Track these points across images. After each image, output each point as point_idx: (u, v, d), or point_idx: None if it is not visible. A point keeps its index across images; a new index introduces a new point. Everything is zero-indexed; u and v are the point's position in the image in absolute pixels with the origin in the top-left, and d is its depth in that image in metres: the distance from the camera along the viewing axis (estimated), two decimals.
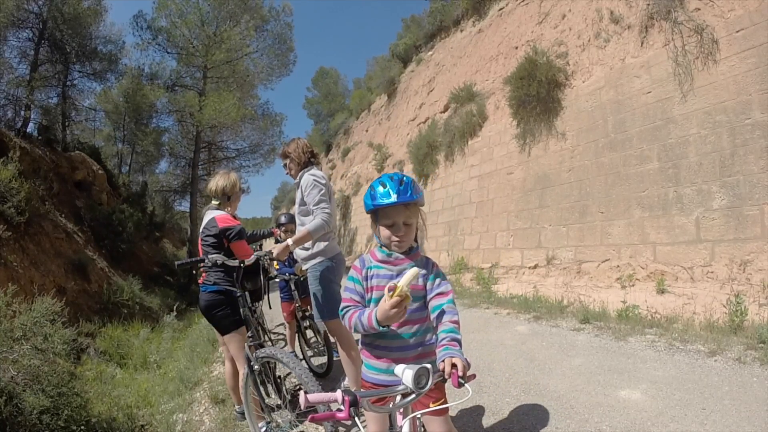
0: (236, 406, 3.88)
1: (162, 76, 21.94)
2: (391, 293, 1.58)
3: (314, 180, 3.44)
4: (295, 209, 3.71)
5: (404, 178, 1.80)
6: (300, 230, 3.41)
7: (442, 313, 1.77)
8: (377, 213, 1.87)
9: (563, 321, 5.80)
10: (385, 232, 1.85)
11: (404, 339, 1.85)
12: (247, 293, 3.43)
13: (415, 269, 1.62)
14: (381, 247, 1.93)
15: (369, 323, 1.69)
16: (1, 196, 8.65)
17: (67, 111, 18.09)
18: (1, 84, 15.04)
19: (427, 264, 1.92)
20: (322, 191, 3.41)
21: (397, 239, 1.83)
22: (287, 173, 3.83)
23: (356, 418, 1.28)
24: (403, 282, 1.56)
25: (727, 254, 5.36)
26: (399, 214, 1.82)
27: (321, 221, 3.31)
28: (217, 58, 20.21)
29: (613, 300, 6.14)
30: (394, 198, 1.75)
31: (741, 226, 5.28)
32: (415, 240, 1.94)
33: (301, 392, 1.31)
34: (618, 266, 6.65)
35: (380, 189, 1.79)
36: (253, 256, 3.35)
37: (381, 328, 1.67)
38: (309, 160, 3.70)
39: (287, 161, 3.75)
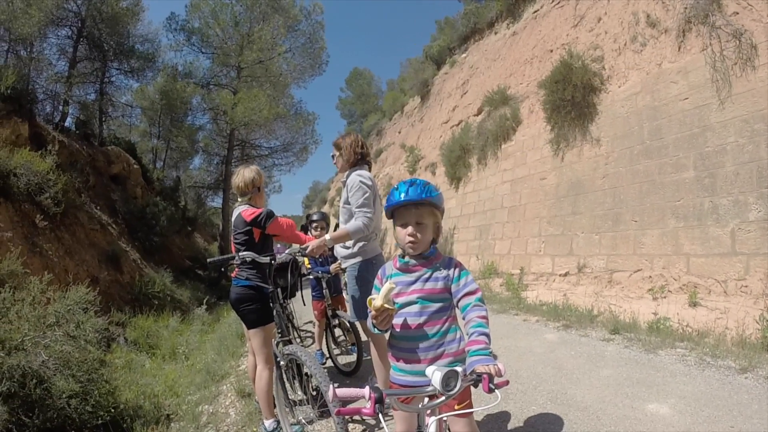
0: (264, 421, 3.43)
1: (196, 75, 22.46)
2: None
3: (360, 182, 3.46)
4: (340, 208, 3.75)
5: (417, 180, 1.87)
6: (340, 228, 3.47)
7: (471, 309, 1.81)
8: (394, 216, 1.93)
9: (593, 331, 5.70)
10: (400, 233, 1.91)
11: (426, 340, 1.88)
12: (279, 290, 3.48)
13: (388, 284, 1.78)
14: (400, 255, 1.99)
15: (370, 328, 1.91)
16: (39, 187, 8.97)
17: (104, 107, 18.65)
18: (41, 79, 15.57)
19: (449, 265, 1.94)
20: (366, 194, 3.43)
21: (410, 239, 1.86)
22: (334, 164, 3.87)
23: (380, 415, 1.29)
24: (378, 299, 1.74)
25: (762, 268, 5.18)
26: (410, 214, 1.87)
27: (361, 224, 3.36)
28: (250, 58, 20.55)
29: (644, 311, 6.01)
30: (402, 197, 1.82)
31: None
32: (434, 242, 1.97)
33: (331, 386, 1.33)
34: (650, 277, 6.51)
35: (395, 191, 1.86)
36: (285, 253, 3.40)
37: (377, 332, 1.88)
38: (358, 160, 3.71)
39: (337, 154, 3.77)
